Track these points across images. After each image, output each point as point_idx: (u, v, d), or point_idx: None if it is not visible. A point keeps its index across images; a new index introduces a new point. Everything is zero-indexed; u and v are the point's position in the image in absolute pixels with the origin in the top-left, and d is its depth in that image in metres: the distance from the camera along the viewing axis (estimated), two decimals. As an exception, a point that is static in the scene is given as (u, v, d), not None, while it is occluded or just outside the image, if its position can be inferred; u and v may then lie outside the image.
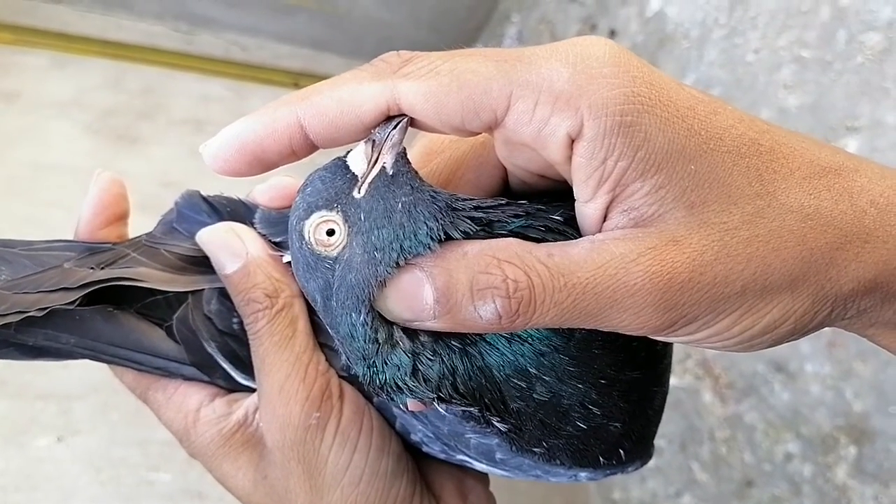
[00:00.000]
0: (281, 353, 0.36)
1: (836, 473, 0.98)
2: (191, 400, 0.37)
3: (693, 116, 0.27)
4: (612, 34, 1.44)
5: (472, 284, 0.27)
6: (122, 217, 0.41)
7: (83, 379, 1.13)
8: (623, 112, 0.26)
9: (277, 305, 0.36)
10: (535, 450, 0.33)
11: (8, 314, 0.34)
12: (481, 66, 0.27)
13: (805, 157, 0.28)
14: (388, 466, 0.36)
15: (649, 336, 0.29)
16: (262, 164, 0.29)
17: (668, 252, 0.26)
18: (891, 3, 0.94)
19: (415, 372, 0.29)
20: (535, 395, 0.31)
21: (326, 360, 0.37)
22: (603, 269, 0.26)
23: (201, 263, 0.39)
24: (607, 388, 0.32)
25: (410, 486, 0.36)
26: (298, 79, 1.65)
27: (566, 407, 0.32)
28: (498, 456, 0.35)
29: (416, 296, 0.27)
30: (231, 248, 0.37)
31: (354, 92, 0.28)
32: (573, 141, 0.27)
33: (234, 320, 0.38)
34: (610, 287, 0.26)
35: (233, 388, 0.39)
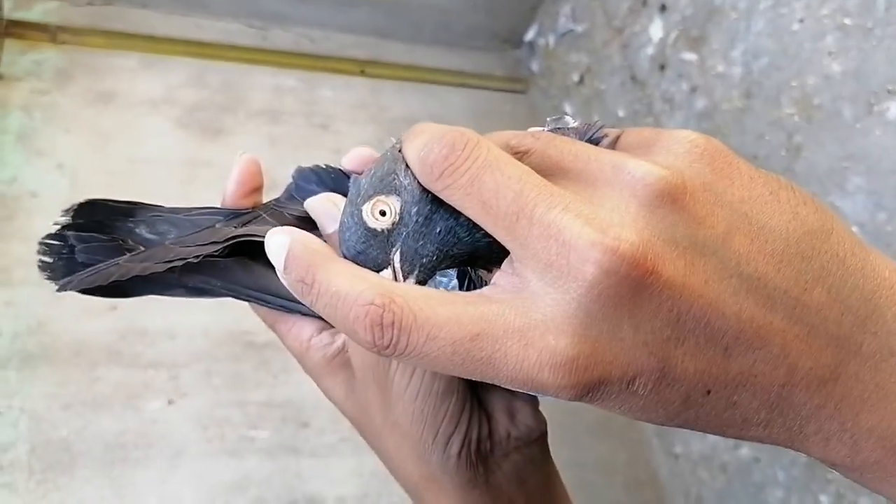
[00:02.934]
0: None
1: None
2: (304, 331, 0.46)
3: None
4: (663, 8, 1.48)
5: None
6: (257, 188, 0.49)
7: (187, 349, 1.25)
8: None
9: None
10: None
11: (174, 261, 0.43)
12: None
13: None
14: (440, 387, 0.42)
15: None
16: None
17: None
18: (929, -32, 0.97)
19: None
20: None
21: None
22: None
23: (312, 223, 0.47)
24: None
25: (460, 403, 0.42)
26: (364, 66, 1.75)
27: None
28: None
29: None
30: (329, 213, 0.44)
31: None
32: None
33: None
34: None
35: None
